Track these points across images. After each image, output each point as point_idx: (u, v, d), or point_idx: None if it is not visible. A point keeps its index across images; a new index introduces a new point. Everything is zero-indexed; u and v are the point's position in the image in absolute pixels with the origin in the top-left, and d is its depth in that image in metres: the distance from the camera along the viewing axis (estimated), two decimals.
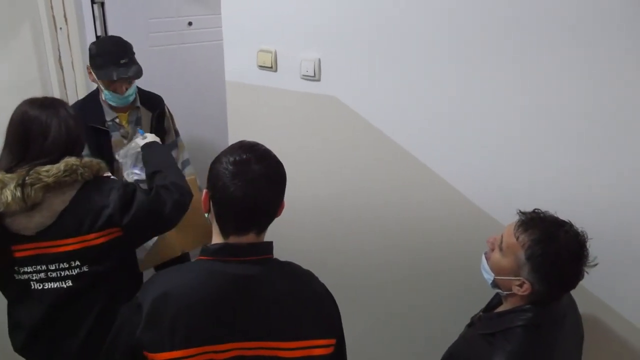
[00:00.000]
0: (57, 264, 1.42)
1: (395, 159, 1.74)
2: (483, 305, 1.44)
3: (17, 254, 1.41)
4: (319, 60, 1.79)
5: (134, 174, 1.82)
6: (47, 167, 1.36)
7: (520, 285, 1.22)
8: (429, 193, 1.71)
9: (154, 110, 2.23)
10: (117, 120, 2.15)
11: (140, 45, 2.62)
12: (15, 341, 1.53)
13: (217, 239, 1.13)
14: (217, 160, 1.11)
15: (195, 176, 2.32)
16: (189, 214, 1.59)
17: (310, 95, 1.86)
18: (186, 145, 2.45)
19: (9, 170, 1.37)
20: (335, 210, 1.95)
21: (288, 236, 1.90)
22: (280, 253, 1.18)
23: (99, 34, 2.49)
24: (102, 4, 2.48)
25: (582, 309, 1.38)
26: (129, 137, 2.17)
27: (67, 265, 1.42)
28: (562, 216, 1.25)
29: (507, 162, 1.53)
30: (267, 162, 1.10)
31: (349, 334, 1.22)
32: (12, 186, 1.32)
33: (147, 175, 1.69)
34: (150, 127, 2.21)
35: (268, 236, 1.16)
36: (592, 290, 1.47)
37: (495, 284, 1.30)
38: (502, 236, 1.28)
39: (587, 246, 1.21)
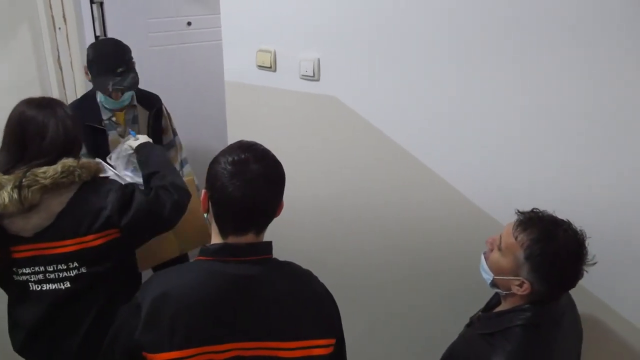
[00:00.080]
0: (55, 266, 1.41)
1: (395, 159, 1.73)
2: (482, 305, 1.44)
3: (15, 255, 1.41)
4: (319, 60, 1.79)
5: (126, 176, 1.79)
6: (44, 168, 1.35)
7: (520, 285, 1.22)
8: (429, 193, 1.71)
9: (151, 108, 2.22)
10: (113, 119, 2.15)
11: (140, 45, 2.62)
12: (15, 341, 1.53)
13: (216, 239, 1.13)
14: (215, 160, 1.11)
15: (193, 176, 2.32)
16: (187, 215, 1.58)
17: (309, 95, 1.85)
18: (185, 145, 2.44)
19: (6, 171, 1.36)
20: (335, 210, 1.94)
21: (288, 236, 1.90)
22: (280, 253, 1.18)
23: (97, 34, 2.48)
24: (101, 4, 2.48)
25: (581, 308, 1.38)
26: (125, 136, 2.17)
27: (65, 267, 1.42)
28: (562, 216, 1.25)
29: (507, 162, 1.53)
30: (266, 161, 1.10)
31: (349, 334, 1.22)
32: (9, 188, 1.32)
33: (144, 176, 1.67)
34: (148, 126, 2.21)
35: (268, 236, 1.16)
36: (592, 290, 1.47)
37: (494, 284, 1.30)
38: (500, 236, 1.28)
39: (586, 245, 1.21)
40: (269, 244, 1.14)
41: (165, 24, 2.77)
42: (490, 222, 1.58)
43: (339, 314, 1.20)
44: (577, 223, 1.24)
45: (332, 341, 1.14)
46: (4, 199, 1.31)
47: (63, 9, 2.31)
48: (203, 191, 1.13)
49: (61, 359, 1.51)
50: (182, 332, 1.05)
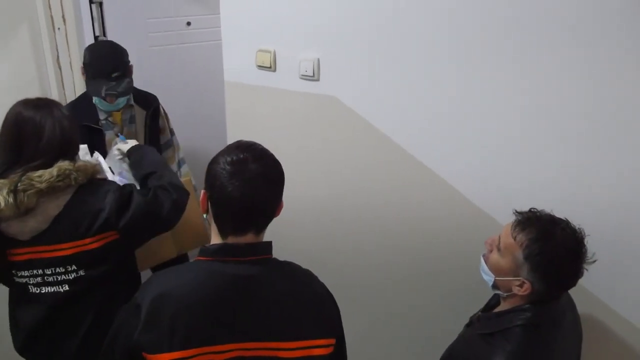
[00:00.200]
0: (53, 269, 1.41)
1: (395, 159, 1.73)
2: (482, 304, 1.44)
3: (14, 258, 1.41)
4: (318, 60, 1.79)
5: (120, 181, 1.78)
6: (40, 172, 1.34)
7: (520, 285, 1.22)
8: (428, 193, 1.71)
9: (148, 108, 2.22)
10: (110, 119, 2.14)
11: (139, 45, 2.63)
12: (15, 341, 1.53)
13: (215, 239, 1.12)
14: (214, 161, 1.11)
15: (191, 176, 2.32)
16: (185, 215, 1.58)
17: (309, 95, 1.85)
18: (185, 145, 2.44)
19: (2, 173, 1.36)
20: (335, 210, 1.94)
21: (288, 236, 1.90)
22: (280, 253, 1.18)
23: (97, 34, 2.48)
24: (101, 4, 2.47)
25: (581, 308, 1.38)
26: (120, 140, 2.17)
27: (63, 270, 1.41)
28: (563, 216, 1.25)
29: (507, 162, 1.53)
30: (265, 161, 1.10)
31: (349, 333, 1.22)
32: (4, 192, 1.31)
33: (140, 177, 1.65)
34: (145, 126, 2.20)
35: (268, 236, 1.16)
36: (591, 290, 1.47)
37: (495, 286, 1.30)
38: (499, 237, 1.28)
39: (585, 243, 1.21)
40: (268, 244, 1.14)
41: (164, 24, 2.77)
42: (490, 222, 1.58)
43: (339, 314, 1.19)
44: (578, 223, 1.24)
45: (333, 341, 1.14)
46: (0, 203, 1.31)
47: (62, 9, 2.31)
48: (202, 192, 1.13)
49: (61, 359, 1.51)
50: (182, 332, 1.04)
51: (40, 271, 1.41)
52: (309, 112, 1.89)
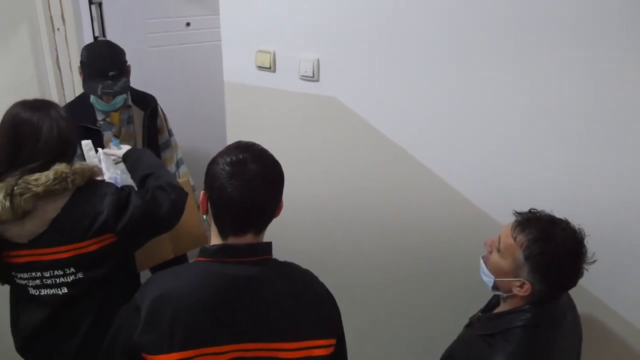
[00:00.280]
0: (51, 272, 1.40)
1: (395, 159, 1.73)
2: (482, 305, 1.44)
3: (13, 260, 1.41)
4: (318, 60, 1.79)
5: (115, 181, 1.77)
6: (36, 175, 1.33)
7: (521, 286, 1.22)
8: (428, 193, 1.71)
9: (146, 108, 2.21)
10: (108, 120, 2.14)
11: (139, 46, 2.62)
12: (16, 340, 1.53)
13: (215, 240, 1.12)
14: (213, 161, 1.10)
15: (189, 177, 2.32)
16: (182, 216, 1.57)
17: (309, 95, 1.85)
18: (185, 146, 2.44)
19: None
20: (335, 211, 1.94)
21: (288, 237, 1.90)
22: (280, 253, 1.18)
23: (96, 34, 2.48)
24: (100, 5, 2.47)
25: (581, 309, 1.38)
26: (120, 137, 2.16)
27: (62, 273, 1.41)
28: (563, 216, 1.25)
29: (507, 162, 1.53)
30: (264, 161, 1.10)
31: (349, 333, 1.22)
32: (0, 196, 1.30)
33: (138, 179, 1.64)
34: (143, 126, 2.20)
35: (267, 236, 1.15)
36: (591, 291, 1.47)
37: (495, 287, 1.30)
38: (499, 238, 1.28)
39: (585, 243, 1.21)
40: (268, 245, 1.14)
41: (164, 24, 2.77)
42: (490, 222, 1.58)
43: (339, 314, 1.19)
44: (578, 223, 1.24)
45: (333, 341, 1.14)
46: None
47: (62, 10, 2.31)
48: (202, 192, 1.13)
49: None
50: (182, 333, 1.04)
51: (38, 274, 1.41)
52: (309, 112, 1.89)
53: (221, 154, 1.11)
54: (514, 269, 1.23)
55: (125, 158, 1.72)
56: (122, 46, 2.10)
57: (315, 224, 2.00)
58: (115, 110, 2.14)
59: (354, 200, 1.88)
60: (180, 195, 1.54)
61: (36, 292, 1.43)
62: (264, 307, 1.09)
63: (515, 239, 1.22)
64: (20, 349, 1.53)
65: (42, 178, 1.33)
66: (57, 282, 1.42)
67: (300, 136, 1.94)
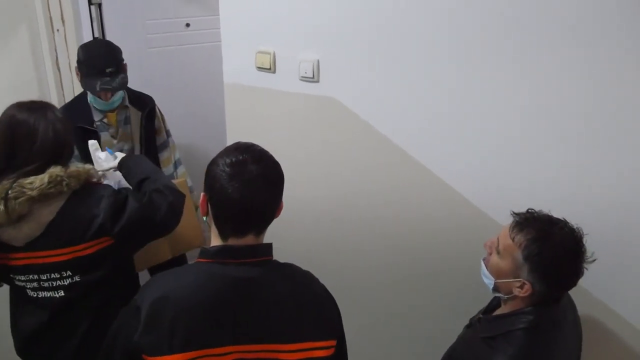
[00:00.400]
0: (48, 274, 1.40)
1: (395, 160, 1.73)
2: (483, 305, 1.44)
3: (11, 262, 1.40)
4: (318, 61, 1.79)
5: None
6: (31, 179, 1.32)
7: (521, 287, 1.22)
8: (428, 194, 1.71)
9: (143, 109, 2.21)
10: (105, 121, 2.14)
11: (138, 47, 2.62)
12: (15, 341, 1.53)
13: (216, 241, 1.12)
14: (213, 163, 1.10)
15: (186, 178, 2.31)
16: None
17: (309, 96, 1.85)
18: (184, 147, 2.44)
19: None
20: (335, 211, 1.94)
21: (288, 238, 1.90)
22: (280, 254, 1.18)
23: (96, 35, 2.48)
24: (100, 5, 2.47)
25: (581, 310, 1.37)
26: (118, 137, 2.16)
27: (59, 276, 1.40)
28: (563, 217, 1.25)
29: (507, 162, 1.53)
30: (264, 162, 1.10)
31: (349, 334, 1.22)
32: None
33: (134, 184, 1.61)
34: (140, 127, 2.20)
35: (267, 237, 1.15)
36: (591, 291, 1.46)
37: (496, 288, 1.30)
38: (498, 239, 1.28)
39: (584, 242, 1.21)
40: (269, 246, 1.14)
41: (163, 25, 2.76)
42: (490, 222, 1.58)
43: (339, 315, 1.19)
44: (578, 223, 1.24)
45: (333, 343, 1.14)
46: None
47: (61, 11, 2.31)
48: (202, 194, 1.12)
49: None
50: (182, 334, 1.04)
51: (35, 276, 1.40)
52: (309, 113, 1.88)
53: (221, 155, 1.11)
54: (514, 269, 1.23)
55: (121, 165, 1.70)
56: (121, 47, 2.11)
57: (315, 225, 2.00)
58: (113, 111, 2.14)
59: (353, 200, 1.88)
60: (177, 198, 1.52)
61: (34, 294, 1.43)
62: (264, 308, 1.08)
63: (513, 240, 1.22)
64: (19, 351, 1.53)
65: (37, 182, 1.32)
66: (54, 285, 1.41)
67: (300, 137, 1.93)
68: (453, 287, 1.74)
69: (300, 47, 1.82)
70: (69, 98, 2.36)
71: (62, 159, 1.40)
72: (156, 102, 2.30)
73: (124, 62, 2.09)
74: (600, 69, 1.33)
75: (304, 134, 1.92)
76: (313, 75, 1.81)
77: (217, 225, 1.11)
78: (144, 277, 1.70)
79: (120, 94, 2.10)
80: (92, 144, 1.75)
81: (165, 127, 2.34)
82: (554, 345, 1.22)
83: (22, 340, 1.50)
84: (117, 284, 1.51)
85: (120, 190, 1.49)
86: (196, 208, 2.11)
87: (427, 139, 1.66)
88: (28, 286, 1.42)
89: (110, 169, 1.70)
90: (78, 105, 2.12)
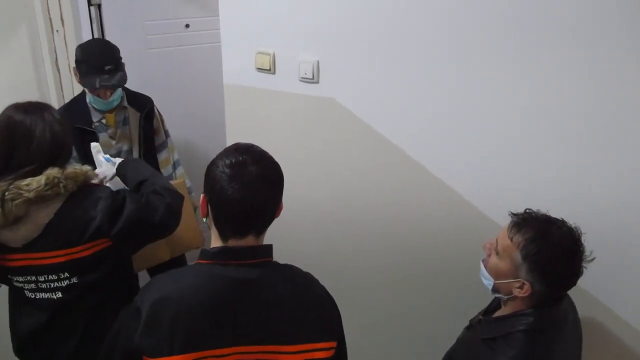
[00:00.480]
0: (45, 276, 1.39)
1: (395, 161, 1.73)
2: (483, 305, 1.44)
3: (8, 264, 1.40)
4: (318, 62, 1.79)
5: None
6: (28, 180, 1.32)
7: (520, 287, 1.22)
8: (428, 194, 1.71)
9: (141, 110, 2.21)
10: (103, 121, 2.14)
11: (138, 48, 2.62)
12: (13, 342, 1.53)
13: (216, 242, 1.12)
14: (213, 164, 1.10)
15: (185, 178, 2.31)
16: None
17: (309, 97, 1.85)
18: (184, 147, 2.44)
19: None
20: (334, 212, 1.94)
21: (288, 238, 1.89)
22: (280, 255, 1.17)
23: (95, 36, 2.48)
24: (99, 6, 2.47)
25: (581, 311, 1.37)
26: (116, 138, 2.16)
27: (56, 277, 1.40)
28: (563, 216, 1.25)
29: (506, 163, 1.53)
30: (264, 163, 1.10)
31: (349, 335, 1.22)
32: None
33: (132, 187, 1.61)
34: (139, 127, 2.20)
35: (267, 238, 1.15)
36: (591, 292, 1.46)
37: (495, 289, 1.30)
38: (497, 239, 1.28)
39: (582, 241, 1.21)
40: (269, 247, 1.14)
41: (163, 26, 2.76)
42: (489, 222, 1.58)
43: (339, 316, 1.19)
44: (577, 223, 1.24)
45: (333, 344, 1.14)
46: None
47: (61, 11, 2.31)
48: (202, 195, 1.12)
49: None
50: (182, 336, 1.04)
51: (33, 278, 1.40)
52: (309, 114, 1.88)
53: (220, 156, 1.11)
54: (513, 269, 1.23)
55: (119, 170, 1.70)
56: (120, 48, 2.11)
57: (315, 226, 2.00)
58: (111, 111, 2.14)
59: (353, 201, 1.88)
60: (175, 199, 1.51)
61: (32, 295, 1.43)
62: (264, 309, 1.08)
63: (512, 240, 1.23)
64: (17, 351, 1.52)
65: (34, 183, 1.31)
66: (52, 286, 1.41)
67: (300, 138, 1.93)
68: (453, 287, 1.74)
69: (300, 48, 1.82)
70: (68, 98, 2.36)
71: (60, 160, 1.40)
72: (156, 103, 2.30)
73: (122, 60, 2.09)
74: (600, 69, 1.33)
75: (304, 135, 1.92)
76: (313, 76, 1.80)
77: (217, 227, 1.11)
78: (143, 278, 1.70)
79: (118, 93, 2.10)
80: (95, 146, 1.75)
81: (164, 127, 2.34)
82: (554, 347, 1.22)
83: (20, 340, 1.50)
84: (116, 286, 1.50)
85: (119, 191, 1.49)
86: (195, 209, 2.12)
87: (426, 139, 1.66)
88: (26, 287, 1.42)
89: (113, 176, 1.70)
90: (76, 106, 2.12)
